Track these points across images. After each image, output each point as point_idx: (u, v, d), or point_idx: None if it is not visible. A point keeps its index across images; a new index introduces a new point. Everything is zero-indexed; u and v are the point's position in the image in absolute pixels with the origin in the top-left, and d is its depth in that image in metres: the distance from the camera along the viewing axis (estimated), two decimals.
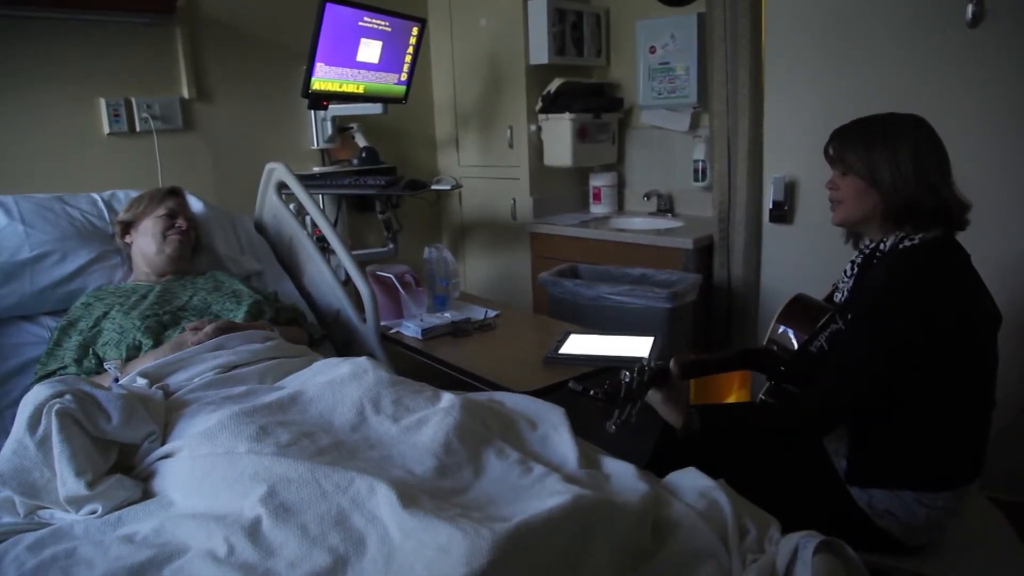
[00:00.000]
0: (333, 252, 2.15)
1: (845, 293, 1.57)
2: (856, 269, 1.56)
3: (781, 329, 1.67)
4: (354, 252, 2.32)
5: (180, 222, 1.94)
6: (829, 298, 1.70)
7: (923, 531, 1.42)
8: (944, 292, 1.35)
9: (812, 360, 1.54)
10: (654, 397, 1.44)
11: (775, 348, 1.67)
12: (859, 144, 1.43)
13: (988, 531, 1.54)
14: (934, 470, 1.39)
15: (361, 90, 2.73)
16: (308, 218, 2.50)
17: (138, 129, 2.47)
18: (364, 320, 2.01)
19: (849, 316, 1.47)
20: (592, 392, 1.28)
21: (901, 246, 1.41)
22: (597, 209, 3.32)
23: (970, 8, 2.11)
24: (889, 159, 1.39)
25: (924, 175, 1.38)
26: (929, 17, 2.22)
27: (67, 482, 1.14)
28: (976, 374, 1.41)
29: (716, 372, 1.72)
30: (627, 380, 1.31)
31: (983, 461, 1.43)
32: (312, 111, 2.86)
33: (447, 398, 1.39)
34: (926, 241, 1.39)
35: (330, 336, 2.09)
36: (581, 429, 1.37)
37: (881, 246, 1.46)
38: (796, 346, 1.64)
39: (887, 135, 1.41)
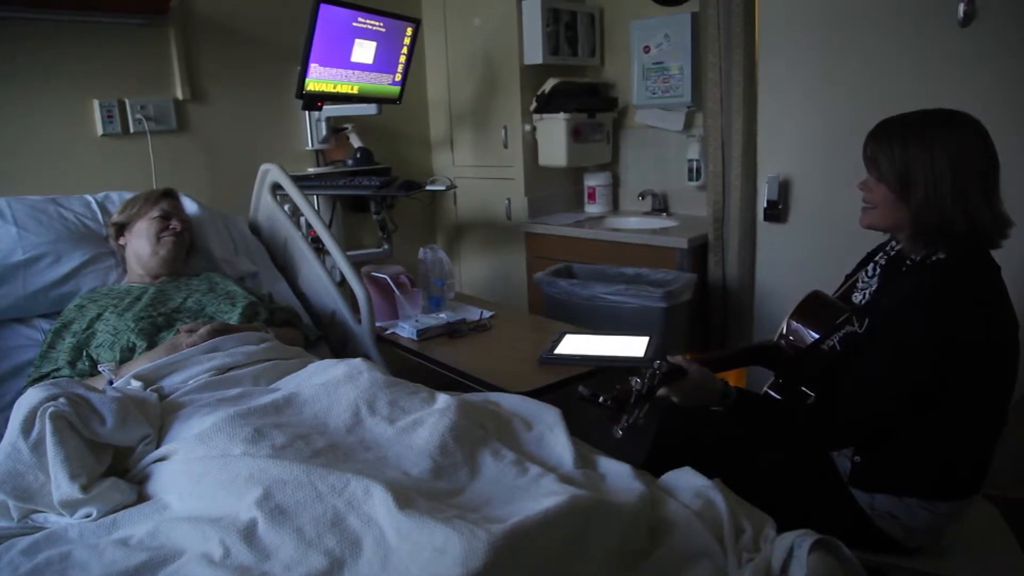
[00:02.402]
0: (328, 253, 2.15)
1: (867, 296, 1.51)
2: (879, 271, 1.51)
3: (796, 326, 1.62)
4: (349, 253, 2.32)
5: (174, 224, 1.94)
6: (844, 296, 1.63)
7: (923, 534, 1.41)
8: (972, 312, 1.29)
9: (822, 359, 1.49)
10: (679, 392, 1.39)
11: (783, 344, 1.64)
12: (894, 150, 1.32)
13: (984, 528, 1.54)
14: (943, 479, 1.37)
15: (355, 91, 2.73)
16: (303, 219, 2.49)
17: (132, 130, 2.46)
18: (359, 321, 2.01)
19: (867, 320, 1.41)
20: (601, 399, 1.26)
21: (932, 259, 1.35)
22: (592, 209, 3.33)
23: (961, 7, 2.12)
24: (925, 174, 1.29)
25: (961, 194, 1.28)
26: (921, 16, 2.22)
27: (61, 485, 1.13)
28: (995, 389, 1.37)
29: (724, 370, 1.68)
30: (638, 387, 1.28)
31: (988, 470, 1.42)
32: (306, 112, 2.85)
33: (442, 399, 1.39)
34: (957, 256, 1.32)
35: (325, 337, 2.08)
36: (578, 430, 1.37)
37: (912, 256, 1.40)
38: (808, 341, 1.59)
39: (925, 143, 1.30)
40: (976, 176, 1.30)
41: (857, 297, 1.55)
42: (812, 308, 1.62)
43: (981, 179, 1.30)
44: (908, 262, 1.42)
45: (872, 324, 1.40)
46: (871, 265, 1.55)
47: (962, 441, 1.37)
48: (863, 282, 1.54)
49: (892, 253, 1.50)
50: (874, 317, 1.41)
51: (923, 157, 1.30)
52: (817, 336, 1.56)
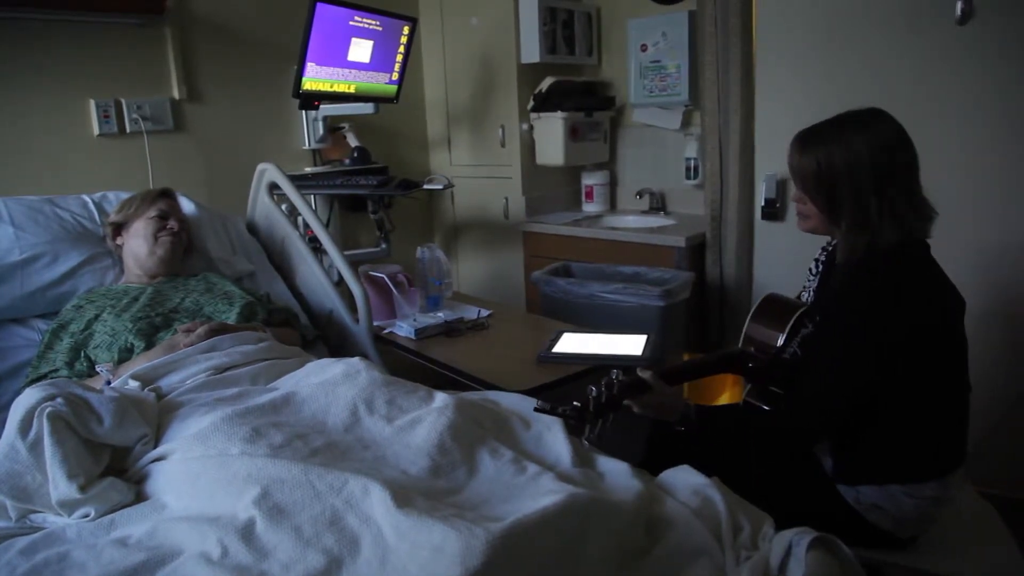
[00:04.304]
0: (325, 253, 2.15)
1: (811, 294, 1.55)
2: (820, 268, 1.54)
3: (756, 329, 1.65)
4: (346, 252, 2.32)
5: (172, 224, 1.93)
6: (797, 297, 1.68)
7: (913, 523, 1.43)
8: (904, 296, 1.32)
9: (787, 367, 1.53)
10: (641, 405, 1.42)
11: (752, 349, 1.66)
12: (819, 161, 1.36)
13: (980, 525, 1.55)
14: (919, 461, 1.40)
15: (352, 90, 2.72)
16: (300, 219, 2.48)
17: (128, 130, 2.46)
18: (357, 321, 2.01)
19: (817, 319, 1.46)
20: (561, 410, 1.27)
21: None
22: (589, 208, 3.33)
23: (959, 5, 2.12)
24: (852, 196, 1.33)
25: (889, 205, 1.32)
26: (918, 14, 2.23)
27: (59, 485, 1.13)
28: (947, 363, 1.40)
29: (693, 378, 1.70)
30: (594, 395, 1.30)
31: (966, 446, 1.44)
32: (303, 111, 2.85)
33: (441, 398, 1.39)
34: (886, 246, 1.36)
35: (323, 337, 2.08)
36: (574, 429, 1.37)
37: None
38: (770, 344, 1.63)
39: (843, 147, 1.33)
40: (900, 180, 1.33)
41: (804, 296, 1.59)
42: (769, 310, 1.65)
43: (904, 175, 1.33)
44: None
45: (820, 321, 1.44)
46: (813, 263, 1.59)
47: (928, 419, 1.39)
48: (808, 281, 1.58)
49: (830, 249, 1.54)
50: (821, 315, 1.45)
51: (849, 191, 1.33)
52: (776, 335, 1.59)
